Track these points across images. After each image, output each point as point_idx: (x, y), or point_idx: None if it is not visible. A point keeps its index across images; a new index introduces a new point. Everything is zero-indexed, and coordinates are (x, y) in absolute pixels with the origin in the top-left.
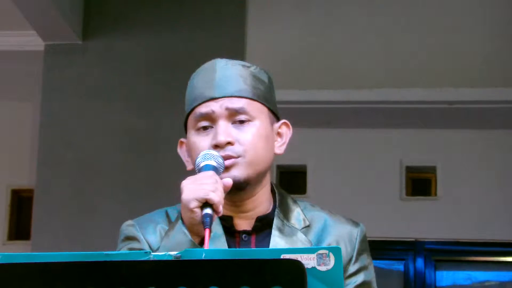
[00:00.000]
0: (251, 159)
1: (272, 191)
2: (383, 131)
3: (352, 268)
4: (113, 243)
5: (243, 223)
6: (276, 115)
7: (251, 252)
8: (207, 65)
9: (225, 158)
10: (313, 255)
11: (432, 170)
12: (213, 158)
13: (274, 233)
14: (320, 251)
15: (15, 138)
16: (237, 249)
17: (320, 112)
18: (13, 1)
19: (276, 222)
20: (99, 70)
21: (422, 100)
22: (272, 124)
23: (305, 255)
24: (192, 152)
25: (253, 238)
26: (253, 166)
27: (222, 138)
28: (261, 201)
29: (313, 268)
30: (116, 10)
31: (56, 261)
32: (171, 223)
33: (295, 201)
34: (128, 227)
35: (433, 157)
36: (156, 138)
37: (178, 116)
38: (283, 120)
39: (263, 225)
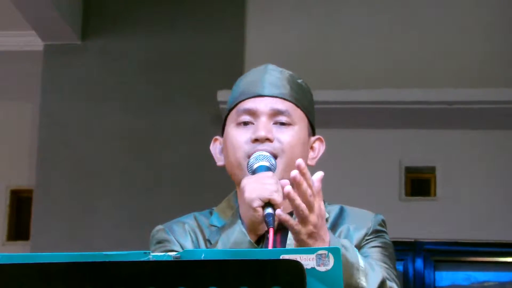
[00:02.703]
0: (288, 160)
1: None
2: (382, 132)
3: (370, 236)
4: (112, 243)
5: None
6: (313, 130)
7: (251, 252)
8: (257, 68)
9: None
10: (313, 256)
11: (432, 170)
12: (266, 159)
13: None
14: (320, 252)
15: (14, 139)
16: (237, 249)
17: (319, 112)
18: (12, 1)
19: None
20: (98, 70)
21: (421, 101)
22: (309, 136)
23: (304, 256)
24: (228, 145)
25: (278, 238)
26: (288, 169)
27: (262, 133)
28: (286, 206)
29: (313, 268)
30: (115, 11)
31: (55, 261)
32: (228, 220)
33: None
34: (158, 231)
35: (432, 158)
36: (155, 138)
37: (176, 116)
38: (318, 136)
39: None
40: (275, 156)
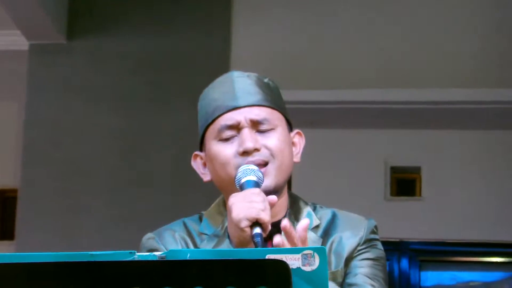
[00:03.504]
0: (279, 164)
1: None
2: (367, 132)
3: (363, 246)
4: (98, 243)
5: None
6: (290, 125)
7: (237, 252)
8: (223, 77)
9: (256, 163)
10: (298, 256)
11: (417, 170)
12: (253, 172)
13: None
14: (305, 252)
15: (0, 138)
16: (223, 249)
17: (305, 112)
18: None
19: None
20: (84, 70)
21: (407, 101)
22: (289, 133)
23: (290, 256)
24: (214, 161)
25: (269, 245)
26: (281, 172)
27: (250, 145)
28: (279, 210)
29: (298, 268)
30: (102, 10)
31: (40, 261)
32: (219, 237)
33: (306, 203)
34: (149, 240)
35: (418, 158)
36: (141, 138)
37: (165, 116)
38: (296, 130)
39: (278, 231)
40: (266, 163)
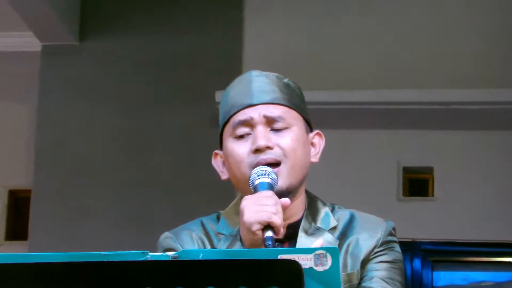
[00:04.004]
0: (292, 164)
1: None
2: (380, 132)
3: (380, 248)
4: (110, 243)
5: None
6: (310, 126)
7: (249, 252)
8: (242, 76)
9: (267, 161)
10: (310, 256)
11: (429, 170)
12: (267, 174)
13: (301, 234)
14: (318, 252)
15: (12, 139)
16: (235, 249)
17: (316, 113)
18: (10, 2)
19: (303, 224)
20: (96, 71)
21: (418, 101)
22: (307, 133)
23: (302, 256)
24: (230, 159)
25: (286, 246)
26: (294, 173)
27: (262, 142)
28: (296, 210)
29: (311, 268)
30: (113, 12)
31: (53, 261)
32: (232, 239)
33: (324, 204)
34: (166, 239)
35: (430, 158)
36: (153, 139)
37: (175, 117)
38: (316, 131)
39: (295, 232)
40: (278, 163)
